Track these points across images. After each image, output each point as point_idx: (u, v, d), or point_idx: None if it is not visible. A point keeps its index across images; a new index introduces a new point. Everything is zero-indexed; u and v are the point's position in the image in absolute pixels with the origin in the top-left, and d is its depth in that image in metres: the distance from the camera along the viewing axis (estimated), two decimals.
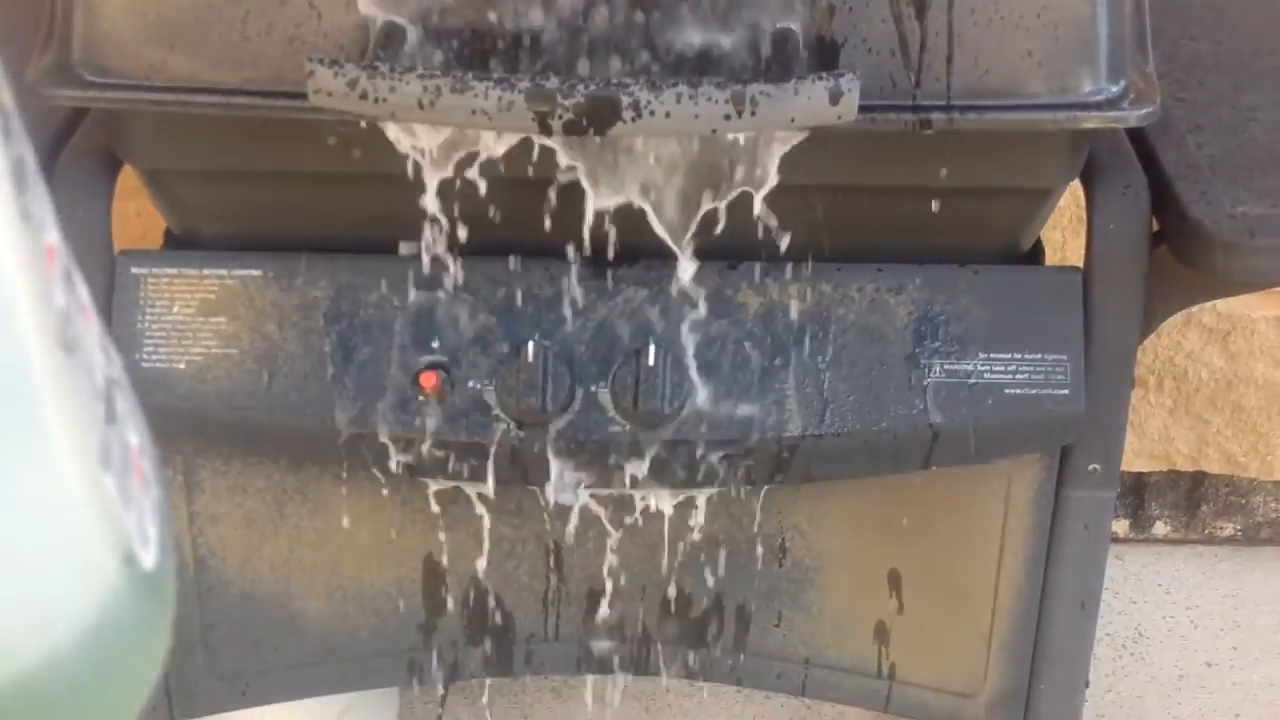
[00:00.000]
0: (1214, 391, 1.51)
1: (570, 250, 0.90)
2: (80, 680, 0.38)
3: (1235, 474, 1.57)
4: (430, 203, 0.85)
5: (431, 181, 0.84)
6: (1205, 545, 1.62)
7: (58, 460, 0.38)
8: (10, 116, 0.38)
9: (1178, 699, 1.47)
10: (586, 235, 0.87)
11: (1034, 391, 0.91)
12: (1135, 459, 1.56)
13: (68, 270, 0.40)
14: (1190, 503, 1.61)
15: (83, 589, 0.39)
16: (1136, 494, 1.61)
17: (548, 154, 0.82)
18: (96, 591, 0.39)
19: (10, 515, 0.37)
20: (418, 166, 0.84)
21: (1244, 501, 1.61)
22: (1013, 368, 0.91)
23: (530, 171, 0.83)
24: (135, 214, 1.27)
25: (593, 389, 0.90)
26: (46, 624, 0.38)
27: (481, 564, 1.03)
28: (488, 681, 1.35)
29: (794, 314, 0.92)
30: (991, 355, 0.91)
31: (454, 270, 0.91)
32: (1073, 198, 1.34)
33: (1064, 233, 1.38)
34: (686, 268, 0.89)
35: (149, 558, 0.41)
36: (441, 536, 1.01)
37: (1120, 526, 1.62)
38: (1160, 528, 1.62)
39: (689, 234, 0.87)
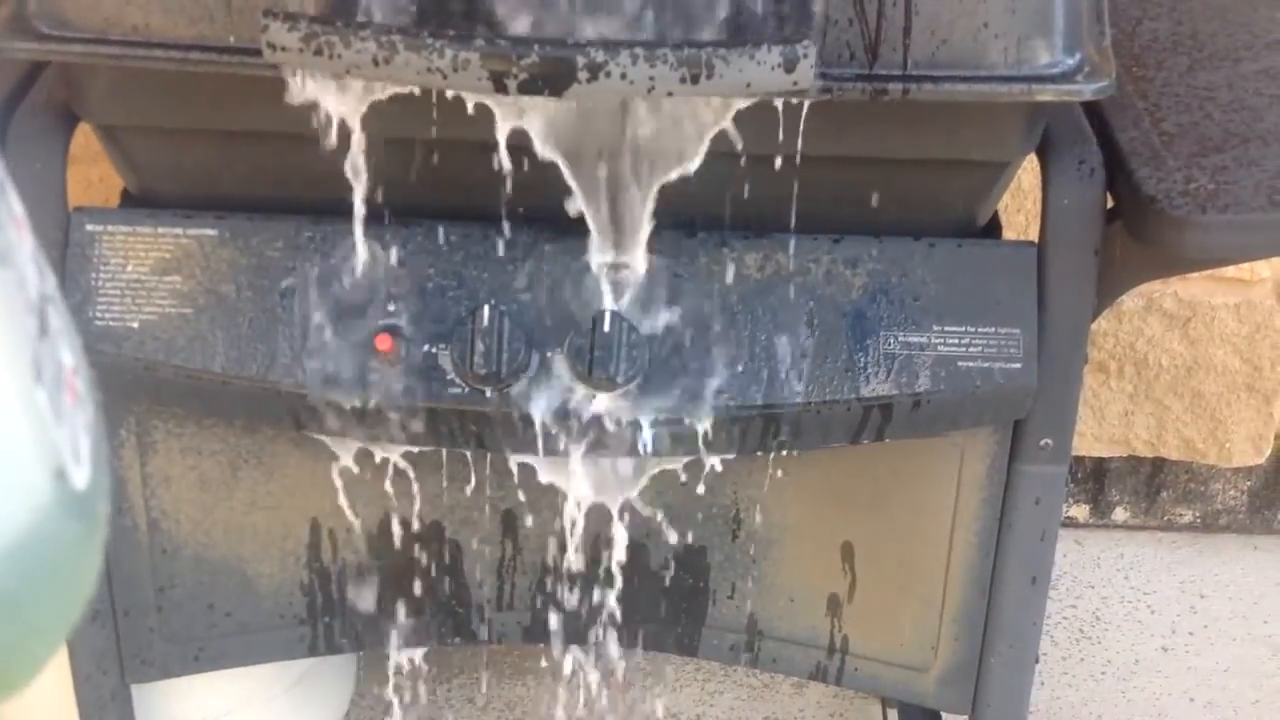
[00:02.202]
0: (1174, 378, 1.52)
1: (527, 216, 0.90)
2: (8, 596, 0.38)
3: (1194, 460, 1.58)
4: (373, 164, 0.85)
5: (367, 143, 0.83)
6: (1164, 531, 1.64)
7: None
8: None
9: (1134, 682, 1.48)
10: (543, 200, 0.87)
11: (987, 364, 0.92)
12: (1095, 444, 1.57)
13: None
14: (1150, 489, 1.62)
15: (11, 502, 0.38)
16: (1097, 479, 1.62)
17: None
18: (25, 505, 0.39)
19: None
20: (372, 127, 0.83)
21: (1203, 489, 1.62)
22: (966, 340, 0.92)
23: (487, 135, 0.83)
24: (99, 179, 1.26)
25: (549, 354, 0.90)
26: None
27: (436, 530, 1.03)
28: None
29: (750, 284, 0.92)
30: (945, 328, 0.92)
31: (411, 233, 0.91)
32: (1038, 182, 1.34)
33: (1027, 216, 1.39)
34: (642, 235, 0.89)
35: (81, 475, 0.41)
36: (394, 502, 1.01)
37: (1080, 512, 1.63)
38: (1120, 513, 1.64)
39: (646, 201, 0.87)
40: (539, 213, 0.90)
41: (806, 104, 0.82)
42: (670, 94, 0.78)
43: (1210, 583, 1.58)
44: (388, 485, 1.00)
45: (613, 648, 1.08)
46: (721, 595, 1.05)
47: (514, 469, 0.98)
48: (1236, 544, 1.63)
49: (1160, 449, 1.57)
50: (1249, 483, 1.61)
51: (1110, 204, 0.92)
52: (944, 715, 1.35)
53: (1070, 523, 1.62)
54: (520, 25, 0.81)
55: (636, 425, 0.91)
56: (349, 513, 1.02)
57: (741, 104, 0.81)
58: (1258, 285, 1.48)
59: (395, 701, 1.34)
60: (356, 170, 0.85)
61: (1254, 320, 1.49)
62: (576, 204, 0.87)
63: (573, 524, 1.01)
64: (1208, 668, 1.49)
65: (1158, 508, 1.63)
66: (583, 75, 0.76)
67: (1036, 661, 1.08)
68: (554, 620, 1.06)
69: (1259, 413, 1.54)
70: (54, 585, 0.40)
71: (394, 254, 0.91)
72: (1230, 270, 1.45)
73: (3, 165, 0.40)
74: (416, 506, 1.01)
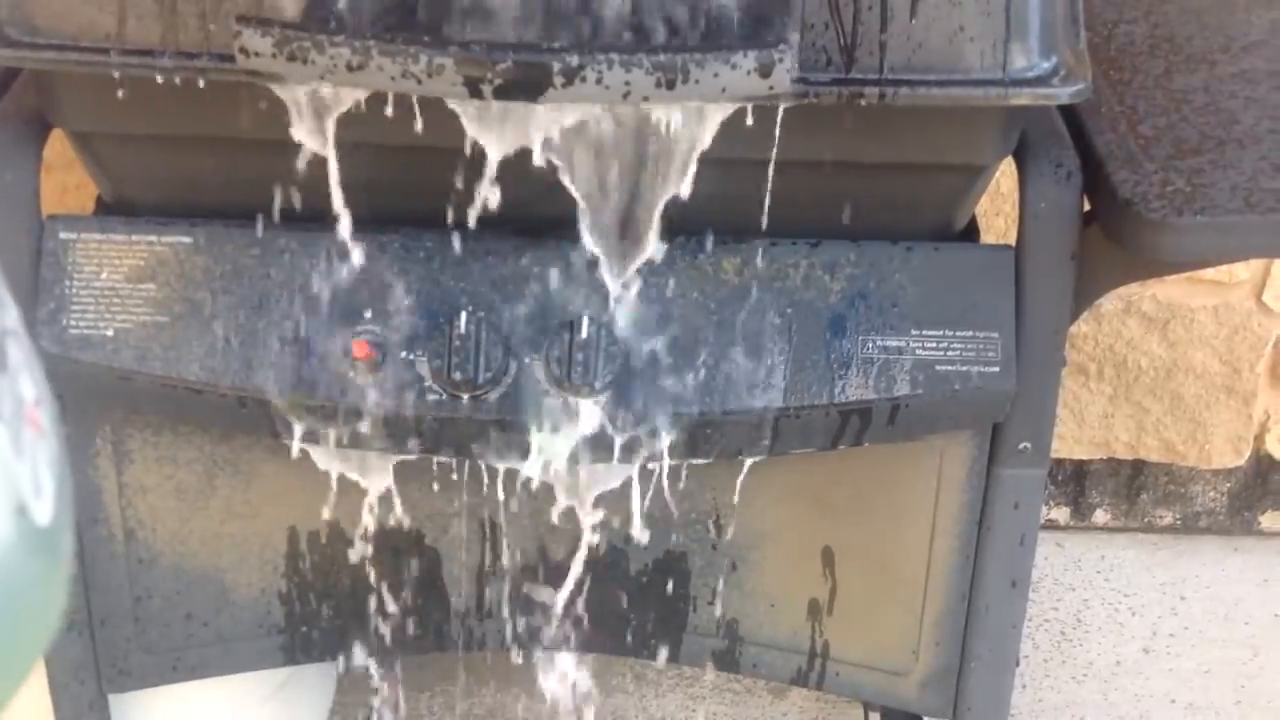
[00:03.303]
0: (1153, 380, 1.53)
1: (505, 222, 0.89)
2: None
3: (1174, 462, 1.58)
4: (350, 170, 0.84)
5: (343, 150, 0.83)
6: (1144, 533, 1.64)
7: None
8: None
9: (1115, 684, 1.49)
10: (520, 207, 0.87)
11: (965, 368, 0.92)
12: (1076, 446, 1.57)
13: None
14: (1130, 491, 1.62)
15: None
16: (1077, 482, 1.62)
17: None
18: None
19: None
20: (352, 134, 0.83)
21: (1183, 490, 1.62)
22: (944, 344, 0.92)
23: (461, 142, 0.83)
24: (74, 185, 1.26)
25: (526, 361, 0.90)
26: None
27: (414, 538, 1.02)
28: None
29: (728, 289, 0.92)
30: (924, 331, 0.92)
31: (388, 240, 0.91)
32: (1017, 185, 1.34)
33: (1006, 219, 1.39)
34: (621, 241, 0.89)
35: (44, 510, 0.40)
36: (372, 510, 1.00)
37: (1060, 514, 1.63)
38: (1100, 515, 1.64)
39: (623, 208, 0.87)
40: (517, 220, 0.90)
41: (782, 108, 0.82)
42: (646, 99, 0.78)
43: (1191, 584, 1.59)
44: (365, 493, 0.99)
45: (593, 654, 1.08)
46: (702, 601, 1.05)
47: (492, 476, 0.98)
48: (1217, 545, 1.63)
49: (1140, 451, 1.57)
50: (1229, 484, 1.62)
51: (1087, 207, 0.92)
52: None
53: (1051, 525, 1.63)
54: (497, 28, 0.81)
55: (614, 431, 0.91)
56: (326, 521, 1.01)
57: (723, 114, 0.81)
58: (1236, 287, 1.48)
59: (375, 710, 1.34)
60: (333, 177, 0.84)
61: (1232, 322, 1.50)
62: (577, 210, 0.87)
63: (551, 530, 1.01)
64: (1189, 669, 1.50)
65: (1138, 510, 1.63)
66: (558, 80, 0.76)
67: (1017, 664, 1.08)
68: (533, 627, 1.05)
69: (1238, 414, 1.55)
70: (15, 623, 0.39)
71: (371, 260, 0.90)
72: (1209, 272, 1.46)
73: (20, 178, 0.39)
74: (394, 514, 1.01)
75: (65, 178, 1.25)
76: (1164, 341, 1.50)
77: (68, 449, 0.43)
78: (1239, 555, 1.62)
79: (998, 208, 1.40)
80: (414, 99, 0.80)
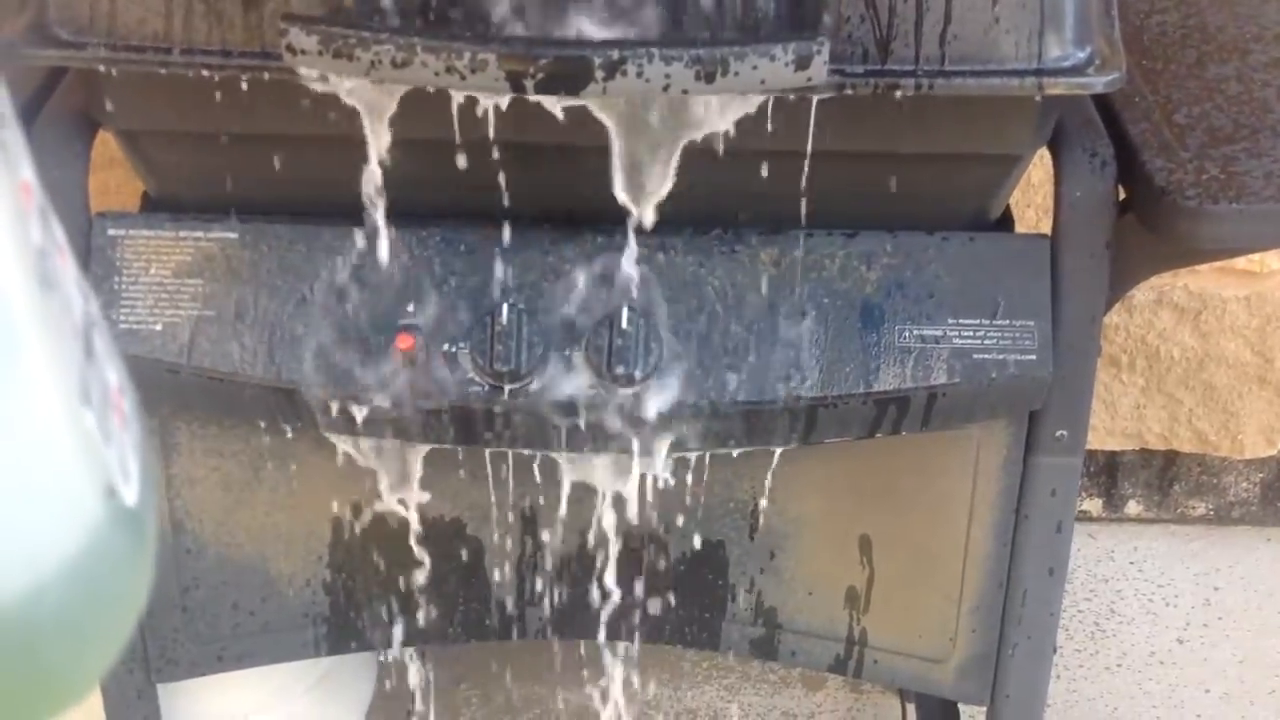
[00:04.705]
0: (1185, 371, 1.53)
1: (544, 215, 0.91)
2: (63, 614, 0.39)
3: (1207, 453, 1.58)
4: (393, 166, 0.86)
5: (388, 145, 0.84)
6: (1177, 525, 1.64)
7: (40, 394, 0.38)
8: None
9: (1150, 675, 1.49)
10: (559, 199, 0.88)
11: (1002, 356, 0.92)
12: (1108, 438, 1.57)
13: (43, 208, 0.41)
14: (1162, 482, 1.63)
15: (66, 523, 0.39)
16: (1109, 473, 1.62)
17: (519, 120, 0.83)
18: (79, 525, 0.39)
19: None
20: (392, 129, 0.84)
21: (1215, 481, 1.62)
22: (981, 333, 0.93)
23: (499, 135, 0.84)
24: (115, 186, 1.27)
25: (567, 351, 0.91)
26: (30, 557, 0.38)
27: (456, 528, 1.04)
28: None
29: (765, 280, 0.93)
30: (960, 321, 0.93)
31: (430, 233, 0.92)
32: (1048, 176, 1.35)
33: (1036, 211, 1.40)
34: (658, 233, 0.90)
35: (130, 493, 0.41)
36: (415, 500, 1.01)
37: (1093, 505, 1.64)
38: (1133, 507, 1.64)
39: (660, 198, 0.88)
40: (557, 212, 0.91)
41: (819, 100, 0.83)
42: (685, 92, 0.79)
43: (1224, 575, 1.59)
44: (408, 484, 1.01)
45: (632, 643, 1.09)
46: (740, 589, 1.06)
47: (533, 465, 0.99)
48: (1250, 536, 1.63)
49: (1172, 442, 1.58)
50: (1261, 475, 1.62)
51: (1122, 196, 0.93)
52: (962, 709, 1.36)
53: (1083, 516, 1.63)
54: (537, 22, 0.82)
55: (654, 420, 0.92)
56: (370, 512, 1.02)
57: (757, 101, 0.82)
58: (1268, 277, 1.48)
59: (416, 699, 1.35)
60: (376, 173, 0.86)
61: (1264, 312, 1.49)
62: (593, 201, 0.88)
63: (591, 520, 1.02)
64: (1223, 659, 1.50)
65: (1170, 501, 1.63)
66: (599, 75, 0.77)
67: (1055, 652, 1.08)
68: (574, 617, 1.07)
69: (1270, 405, 1.55)
70: (108, 601, 0.41)
71: (413, 254, 0.92)
72: (1240, 262, 1.46)
73: (43, 196, 0.40)
74: (437, 504, 1.02)
75: (106, 177, 1.27)
76: (1196, 332, 1.51)
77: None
78: (1272, 545, 1.62)
79: (1029, 199, 1.40)
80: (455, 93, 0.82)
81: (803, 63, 0.79)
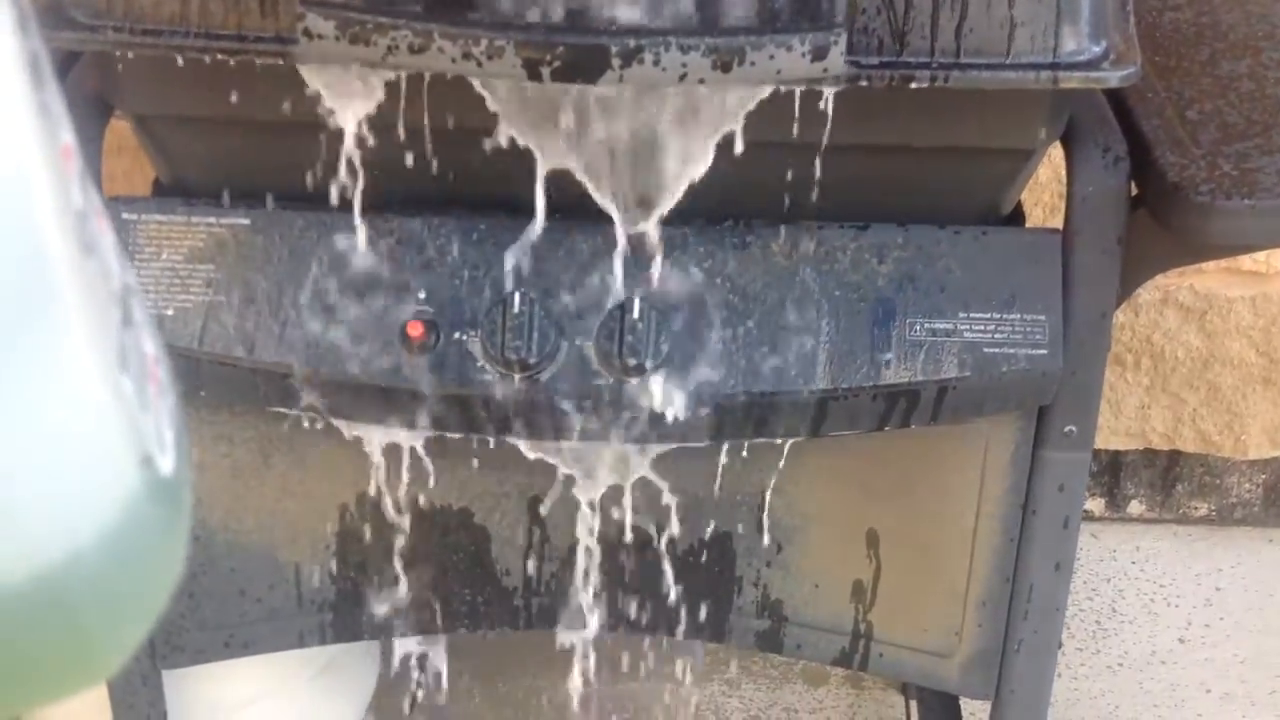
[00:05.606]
0: (1190, 371, 1.53)
1: (557, 204, 0.91)
2: (100, 580, 0.39)
3: (1210, 453, 1.58)
4: (404, 154, 0.86)
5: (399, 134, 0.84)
6: (1180, 525, 1.64)
7: (79, 358, 0.38)
8: (28, 16, 0.38)
9: (1150, 674, 1.49)
10: (570, 189, 0.88)
11: (1013, 350, 0.93)
12: (1112, 437, 1.58)
13: (83, 173, 0.40)
14: (1165, 482, 1.63)
15: (103, 490, 0.39)
16: (1112, 472, 1.62)
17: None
18: (116, 493, 0.39)
19: (32, 412, 0.37)
20: (408, 117, 0.84)
21: (1218, 482, 1.63)
22: (992, 327, 0.93)
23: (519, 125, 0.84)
24: (122, 173, 1.27)
25: (578, 341, 0.91)
26: (68, 523, 0.38)
27: (463, 517, 1.04)
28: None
29: (777, 271, 0.93)
30: (971, 314, 0.93)
31: (442, 221, 0.92)
32: (1055, 175, 1.35)
33: (1044, 208, 1.40)
34: (670, 224, 0.90)
35: (166, 462, 0.41)
36: (423, 489, 1.01)
37: (1096, 505, 1.64)
38: (1135, 506, 1.64)
39: (674, 190, 0.88)
40: (568, 200, 0.91)
41: (833, 91, 0.83)
42: (702, 81, 0.79)
43: (1226, 575, 1.59)
44: (416, 473, 1.01)
45: (637, 634, 1.09)
46: (747, 581, 1.06)
47: (542, 455, 0.99)
48: (1252, 537, 1.64)
49: (1176, 442, 1.58)
50: (1264, 476, 1.62)
51: (1134, 191, 0.93)
52: (963, 705, 1.36)
53: (1086, 516, 1.63)
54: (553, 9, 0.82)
55: (664, 411, 0.92)
56: (378, 500, 1.02)
57: (768, 92, 0.82)
58: (1274, 278, 1.48)
59: (419, 689, 1.35)
60: (387, 160, 0.86)
61: (1270, 313, 1.50)
62: (603, 193, 0.88)
63: (599, 510, 1.02)
64: (1224, 659, 1.50)
65: (1173, 501, 1.64)
66: (616, 63, 0.77)
67: (1060, 648, 1.09)
68: (580, 607, 1.07)
69: (1275, 405, 1.55)
70: (144, 570, 0.41)
71: (425, 242, 0.92)
72: (1246, 263, 1.46)
73: (83, 160, 0.40)
74: (444, 493, 1.02)
75: (114, 165, 1.27)
76: (1201, 332, 1.51)
77: None
78: (1274, 546, 1.63)
79: (1036, 198, 1.41)
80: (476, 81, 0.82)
81: (819, 53, 0.79)
